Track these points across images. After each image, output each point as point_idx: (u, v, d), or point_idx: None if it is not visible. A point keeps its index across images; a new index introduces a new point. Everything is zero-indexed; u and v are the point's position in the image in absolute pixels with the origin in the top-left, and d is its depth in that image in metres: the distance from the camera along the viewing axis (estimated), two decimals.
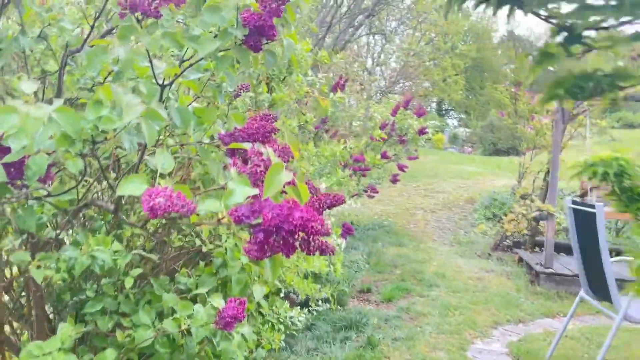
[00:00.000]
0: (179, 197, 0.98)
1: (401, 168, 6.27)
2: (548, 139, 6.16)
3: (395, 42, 18.37)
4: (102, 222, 1.79)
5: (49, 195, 1.37)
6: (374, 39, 17.60)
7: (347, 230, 5.21)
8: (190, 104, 1.48)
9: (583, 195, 5.65)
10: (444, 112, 33.02)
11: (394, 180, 6.60)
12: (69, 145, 1.11)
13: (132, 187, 1.02)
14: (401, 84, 19.68)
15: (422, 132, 6.68)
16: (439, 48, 21.69)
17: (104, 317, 1.83)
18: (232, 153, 1.41)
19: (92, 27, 1.47)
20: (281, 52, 1.26)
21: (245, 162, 1.49)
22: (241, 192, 0.93)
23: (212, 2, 1.13)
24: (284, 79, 2.66)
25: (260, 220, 0.94)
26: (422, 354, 3.24)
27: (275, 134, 1.46)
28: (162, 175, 1.12)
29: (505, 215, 6.81)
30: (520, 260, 5.75)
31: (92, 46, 1.40)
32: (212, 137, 1.52)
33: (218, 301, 1.61)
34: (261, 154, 1.09)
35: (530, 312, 4.20)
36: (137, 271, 1.85)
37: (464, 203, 8.12)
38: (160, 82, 1.28)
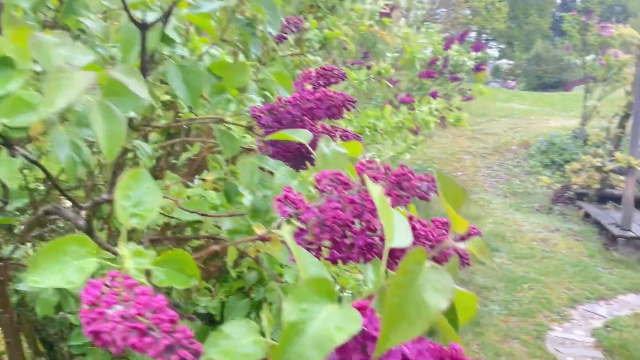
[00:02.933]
0: (161, 315, 0.39)
1: None
2: (627, 77, 5.33)
3: None
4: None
5: None
6: None
7: None
8: (201, 55, 0.88)
9: None
10: (484, 42, 31.20)
11: (443, 122, 5.91)
12: None
13: (54, 272, 0.46)
14: (440, 11, 18.31)
15: (478, 68, 5.91)
16: None
17: (94, 351, 1.32)
18: (274, 148, 0.82)
19: None
20: None
21: (296, 158, 0.90)
22: (321, 339, 0.36)
23: None
24: (333, 7, 2.00)
25: None
26: (492, 345, 2.72)
27: (351, 106, 0.85)
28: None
29: (567, 163, 6.10)
30: (587, 215, 5.10)
31: None
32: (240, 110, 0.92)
33: None
34: (347, 183, 0.50)
35: (611, 285, 3.61)
36: None
37: (517, 147, 7.38)
38: (148, 16, 0.67)
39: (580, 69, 9.13)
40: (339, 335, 0.35)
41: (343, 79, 0.98)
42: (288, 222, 0.51)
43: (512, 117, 9.32)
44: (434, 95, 5.56)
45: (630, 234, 4.24)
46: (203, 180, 0.84)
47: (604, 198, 5.44)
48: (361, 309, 0.37)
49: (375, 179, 0.50)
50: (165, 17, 0.67)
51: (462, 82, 6.05)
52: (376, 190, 0.43)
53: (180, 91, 0.76)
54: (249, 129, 0.89)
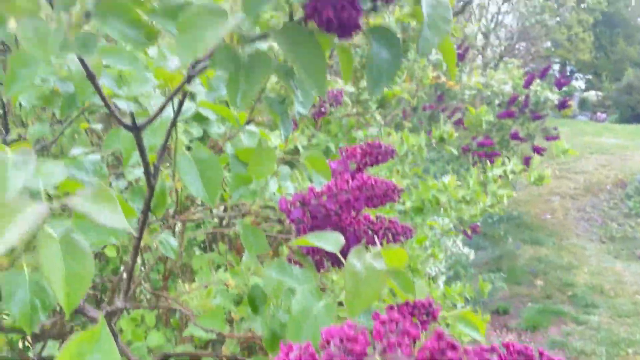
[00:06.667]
0: None
1: (537, 151, 5.19)
2: None
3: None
4: None
5: None
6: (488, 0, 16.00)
7: (472, 229, 4.37)
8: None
9: None
10: (568, 74, 30.08)
11: (527, 164, 5.56)
12: None
13: None
14: (519, 46, 17.75)
15: (563, 105, 5.56)
16: (563, 3, 19.38)
17: None
18: (309, 253, 0.70)
19: None
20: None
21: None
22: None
23: None
24: None
25: None
26: None
27: (397, 197, 0.72)
28: None
29: None
30: None
31: None
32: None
33: None
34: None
35: None
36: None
37: (612, 187, 6.79)
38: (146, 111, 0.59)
39: None
40: None
41: (392, 157, 0.85)
42: None
43: (603, 152, 8.67)
44: (514, 136, 5.28)
45: None
46: (226, 286, 0.73)
47: None
48: None
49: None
50: (175, 117, 0.57)
51: (545, 120, 5.71)
52: None
53: (195, 187, 0.66)
54: (279, 222, 0.77)
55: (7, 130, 0.99)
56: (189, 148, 0.82)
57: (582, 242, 5.42)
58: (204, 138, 0.91)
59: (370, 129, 1.53)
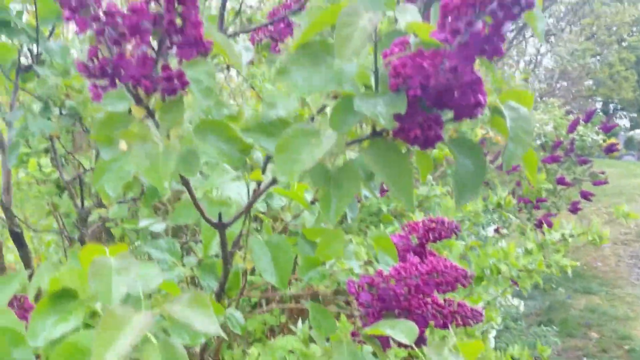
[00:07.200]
0: None
1: (585, 196, 5.06)
2: None
3: (550, 40, 16.54)
4: None
5: None
6: (525, 41, 16.03)
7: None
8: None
9: None
10: (612, 112, 29.49)
11: (575, 209, 5.41)
12: None
13: None
14: (559, 85, 17.56)
15: (610, 149, 5.43)
16: (602, 42, 19.20)
17: None
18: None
19: None
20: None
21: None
22: None
23: (312, 30, 0.43)
24: None
25: None
26: None
27: (468, 283, 0.72)
28: None
29: None
30: None
31: None
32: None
33: None
34: None
35: None
36: None
37: None
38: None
39: None
40: None
41: (455, 233, 0.86)
42: None
43: None
44: (561, 181, 5.17)
45: None
46: None
47: None
48: None
49: None
50: (248, 208, 0.60)
51: (592, 164, 5.57)
52: None
53: (268, 273, 0.68)
54: (347, 303, 0.78)
55: (83, 203, 1.04)
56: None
57: (638, 291, 5.18)
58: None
59: (420, 188, 1.54)
